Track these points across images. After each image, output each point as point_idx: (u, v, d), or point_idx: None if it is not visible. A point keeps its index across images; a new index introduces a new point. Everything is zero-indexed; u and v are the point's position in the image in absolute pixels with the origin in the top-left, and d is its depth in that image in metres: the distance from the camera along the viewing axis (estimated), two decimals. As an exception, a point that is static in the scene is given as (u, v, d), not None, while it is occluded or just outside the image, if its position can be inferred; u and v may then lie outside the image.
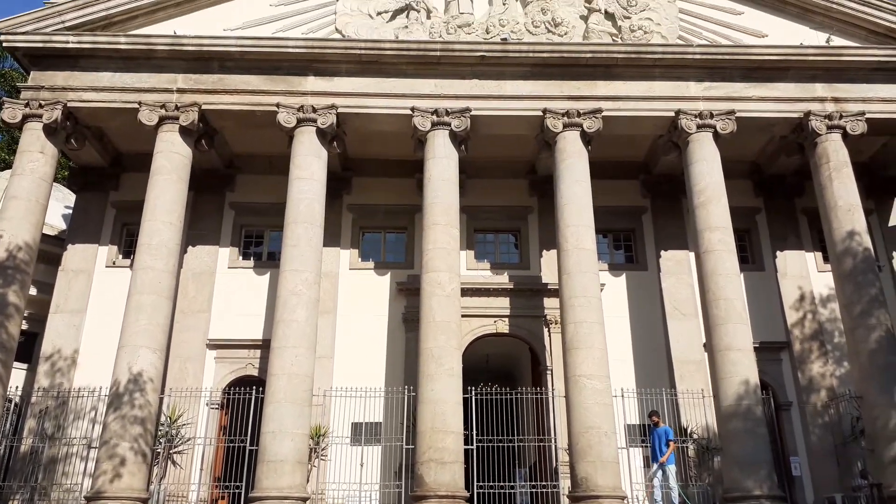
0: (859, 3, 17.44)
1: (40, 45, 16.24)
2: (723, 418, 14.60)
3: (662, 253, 18.47)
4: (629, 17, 17.72)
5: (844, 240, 15.71)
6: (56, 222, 20.44)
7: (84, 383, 15.98)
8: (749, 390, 14.37)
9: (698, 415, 15.93)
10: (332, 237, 17.68)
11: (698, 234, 15.87)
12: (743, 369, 14.57)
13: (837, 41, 17.48)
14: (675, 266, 18.28)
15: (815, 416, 17.11)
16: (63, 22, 16.45)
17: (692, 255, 17.08)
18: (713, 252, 15.49)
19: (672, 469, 13.87)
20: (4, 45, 16.53)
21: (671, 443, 13.84)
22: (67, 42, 16.23)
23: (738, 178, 18.56)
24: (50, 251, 18.41)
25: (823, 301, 18.10)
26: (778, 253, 18.67)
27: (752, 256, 18.90)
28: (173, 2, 17.19)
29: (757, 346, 15.96)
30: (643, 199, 19.12)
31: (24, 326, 16.76)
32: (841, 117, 16.53)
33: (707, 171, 16.16)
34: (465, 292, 16.45)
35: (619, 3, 17.84)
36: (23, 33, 16.18)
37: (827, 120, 16.54)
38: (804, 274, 18.39)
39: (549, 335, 17.48)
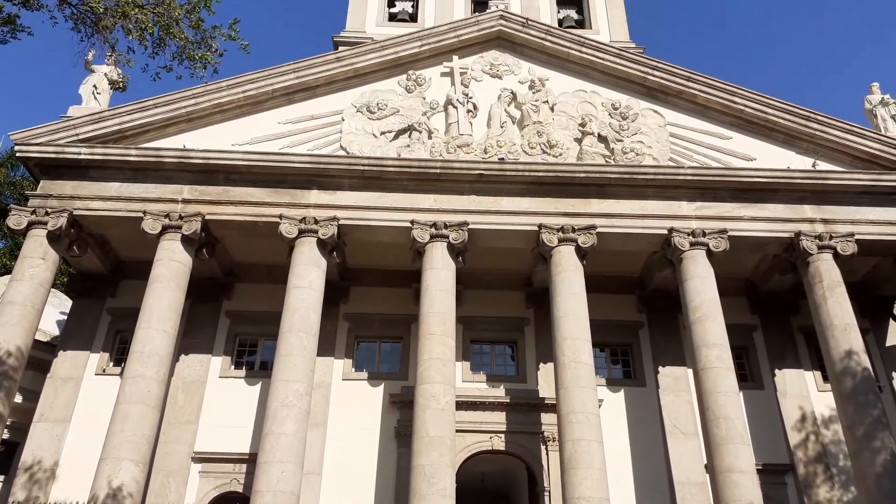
0: (842, 131, 18.26)
1: (53, 155, 16.79)
2: (729, 546, 13.88)
3: (660, 369, 18.28)
4: (621, 140, 18.48)
5: (843, 359, 15.60)
6: (49, 328, 20.35)
7: (62, 497, 15.35)
8: (754, 517, 13.76)
9: (702, 541, 15.17)
10: (326, 346, 17.55)
11: (695, 351, 15.78)
12: (747, 493, 14.03)
13: (823, 165, 18.14)
14: (674, 383, 18.04)
15: (824, 544, 16.29)
16: (77, 134, 17.12)
17: (691, 371, 16.91)
18: (711, 369, 15.35)
19: None
20: (18, 154, 17.08)
21: None
22: (80, 153, 16.80)
23: (733, 295, 18.69)
24: (40, 357, 18.18)
25: (826, 422, 17.72)
26: (777, 371, 18.48)
27: (750, 374, 18.69)
28: (185, 117, 17.97)
29: (760, 468, 15.48)
30: (639, 313, 19.16)
31: (6, 436, 16.31)
32: (831, 238, 16.87)
33: (701, 288, 16.30)
34: (461, 406, 16.14)
35: (612, 127, 18.67)
36: (37, 144, 16.78)
37: (817, 240, 16.87)
38: (804, 393, 18.11)
39: (547, 453, 16.95)
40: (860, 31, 73.88)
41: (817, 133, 18.42)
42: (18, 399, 16.46)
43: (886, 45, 71.25)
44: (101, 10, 12.98)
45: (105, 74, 18.59)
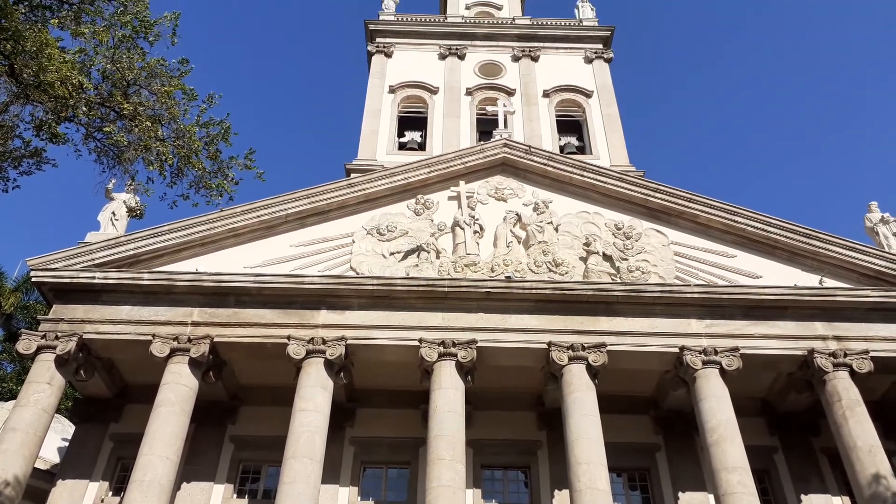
0: (845, 249, 18.46)
1: (67, 280, 17.08)
2: None
3: (680, 495, 17.46)
4: (626, 259, 18.73)
5: (870, 484, 14.91)
6: (50, 455, 19.86)
7: None
8: None
9: None
10: (331, 473, 16.95)
11: (715, 475, 15.15)
12: None
13: (830, 282, 18.18)
14: (695, 510, 17.16)
15: None
16: (93, 259, 17.50)
17: (712, 497, 16.14)
18: (733, 495, 14.66)
19: None
20: (34, 279, 17.40)
21: None
22: (94, 278, 17.09)
23: (750, 416, 18.17)
24: (38, 487, 17.58)
25: (860, 552, 16.63)
26: (802, 497, 17.60)
27: (774, 500, 17.78)
28: (199, 242, 18.42)
29: None
30: (655, 435, 18.58)
31: (-6, 572, 15.47)
32: (845, 355, 16.63)
33: (717, 409, 15.90)
34: (472, 538, 15.33)
35: (616, 246, 18.99)
36: (52, 269, 17.12)
37: (832, 357, 16.62)
38: (834, 521, 17.16)
39: (565, 591, 15.89)
40: (857, 149, 76.44)
41: (821, 251, 18.63)
42: (11, 532, 15.76)
43: (883, 163, 73.42)
44: (125, 143, 13.66)
45: (124, 202, 19.26)
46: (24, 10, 12.23)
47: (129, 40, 13.79)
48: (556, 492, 17.39)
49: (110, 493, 17.36)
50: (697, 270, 18.63)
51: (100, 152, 14.16)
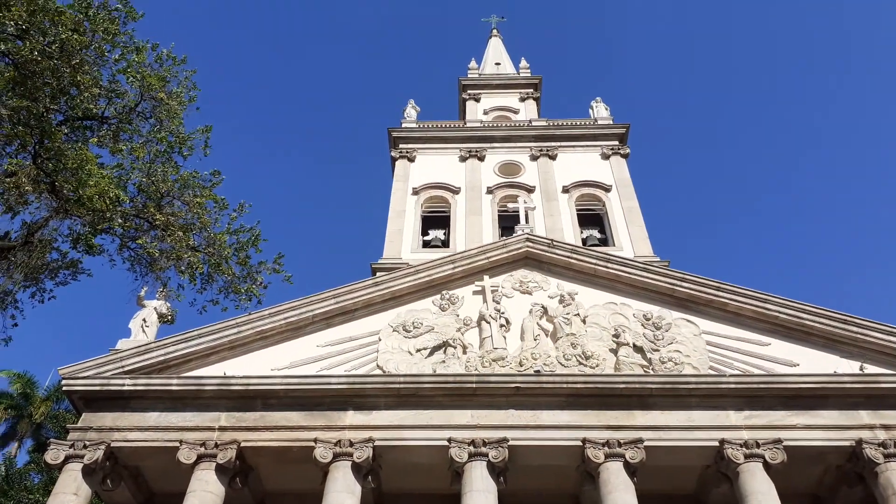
0: (885, 334, 17.90)
1: (97, 388, 17.17)
2: None
3: None
4: (657, 350, 18.38)
5: (940, 585, 13.81)
6: (73, 571, 19.27)
7: None
8: None
9: None
10: (361, 585, 16.16)
11: (769, 579, 14.16)
12: None
13: (872, 369, 17.55)
14: None
15: None
16: (123, 367, 17.66)
17: None
18: None
19: None
20: (64, 388, 17.55)
21: None
22: (123, 385, 17.19)
23: (800, 514, 17.17)
24: None
25: None
26: None
27: None
28: (227, 345, 18.55)
29: None
30: (701, 536, 17.56)
31: None
32: (896, 445, 15.84)
33: (764, 506, 15.06)
34: None
35: (646, 337, 18.70)
36: (83, 378, 17.25)
37: (882, 448, 15.81)
38: None
39: None
40: (889, 231, 75.56)
41: (859, 336, 18.12)
42: None
43: (912, 248, 72.34)
44: (157, 252, 14.14)
45: (155, 308, 19.62)
46: (66, 131, 13.05)
47: (164, 155, 14.54)
48: None
49: None
50: (732, 360, 18.17)
51: (133, 261, 14.63)
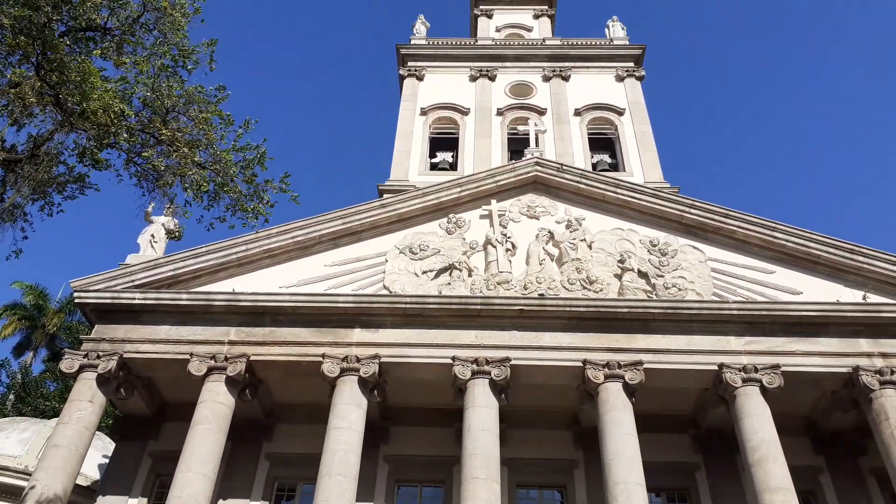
0: (890, 264, 17.94)
1: (108, 301, 17.52)
2: None
3: (722, 516, 17.00)
4: (662, 276, 18.48)
5: (923, 505, 14.34)
6: (91, 472, 20.24)
7: None
8: None
9: None
10: (365, 491, 16.91)
11: (758, 496, 14.73)
12: None
13: (875, 298, 17.66)
14: (738, 532, 16.69)
15: None
16: (133, 281, 17.94)
17: (755, 519, 15.67)
18: (778, 516, 14.22)
19: None
20: (76, 300, 17.91)
21: None
22: (134, 298, 17.51)
23: (793, 435, 17.65)
24: (80, 503, 17.94)
25: (913, 578, 15.98)
26: (851, 519, 17.01)
27: (821, 522, 17.22)
28: (235, 263, 18.75)
29: None
30: (695, 454, 18.15)
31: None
32: (892, 372, 16.10)
33: (758, 427, 15.50)
34: (508, 558, 15.13)
35: (652, 263, 18.76)
36: (94, 291, 17.58)
37: (878, 375, 16.12)
38: (884, 544, 16.52)
39: None
40: (896, 166, 74.50)
41: (864, 266, 18.15)
42: (53, 548, 16.05)
43: (926, 180, 71.43)
44: (163, 168, 14.05)
45: (163, 225, 19.75)
46: (68, 42, 12.75)
47: (169, 69, 14.24)
48: (594, 513, 17.07)
49: (149, 510, 17.61)
50: (736, 287, 18.29)
51: (140, 177, 14.58)
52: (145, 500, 17.74)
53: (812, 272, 18.54)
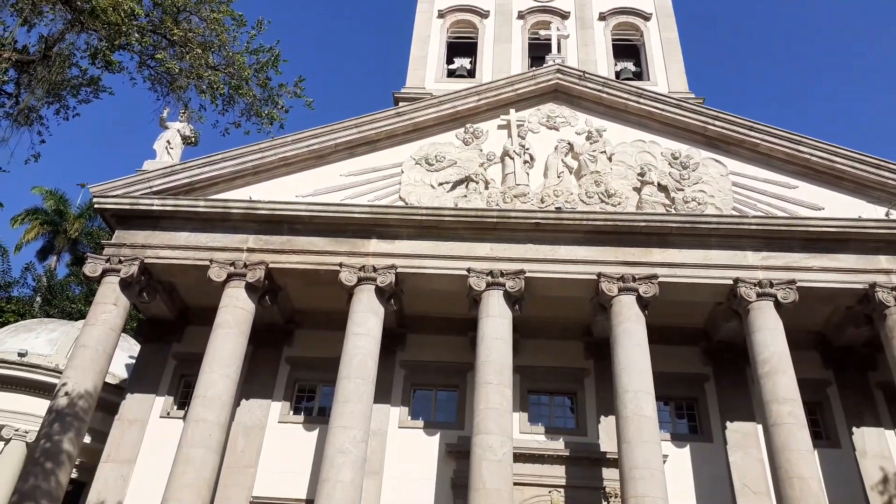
0: (916, 179, 17.57)
1: (127, 207, 17.66)
2: None
3: (728, 424, 17.50)
4: (682, 190, 18.23)
5: (927, 418, 14.64)
6: (119, 371, 21.06)
7: (123, 539, 15.56)
8: (835, 585, 12.85)
9: None
10: (382, 393, 17.52)
11: (765, 406, 15.09)
12: (825, 558, 13.14)
13: (897, 214, 17.43)
14: (743, 439, 17.23)
15: None
16: (151, 187, 18.00)
17: (760, 427, 16.16)
18: (783, 426, 14.62)
19: None
20: (96, 206, 18.06)
21: None
22: (152, 205, 17.62)
23: (804, 349, 17.90)
24: (109, 399, 18.79)
25: (911, 485, 16.55)
26: (854, 429, 17.44)
27: (825, 432, 17.69)
28: (251, 170, 18.69)
29: (839, 533, 14.52)
30: (704, 366, 18.51)
31: (74, 475, 16.76)
32: (909, 289, 16.07)
33: (770, 341, 15.68)
34: (518, 458, 15.78)
35: (672, 176, 18.48)
36: (113, 196, 17.69)
37: (894, 292, 16.08)
38: (886, 454, 17.00)
39: (609, 510, 16.32)
40: (931, 79, 71.68)
41: (889, 181, 17.79)
42: (87, 440, 16.97)
43: (960, 93, 68.81)
44: (177, 70, 13.80)
45: (178, 130, 19.61)
46: (75, -64, 12.25)
47: (179, -34, 13.72)
48: (602, 418, 17.64)
49: (175, 406, 18.40)
50: (756, 202, 18.06)
51: (153, 80, 14.36)
52: (171, 398, 18.52)
53: (835, 187, 18.23)
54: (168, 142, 19.40)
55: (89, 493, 16.96)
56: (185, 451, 14.61)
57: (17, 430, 19.48)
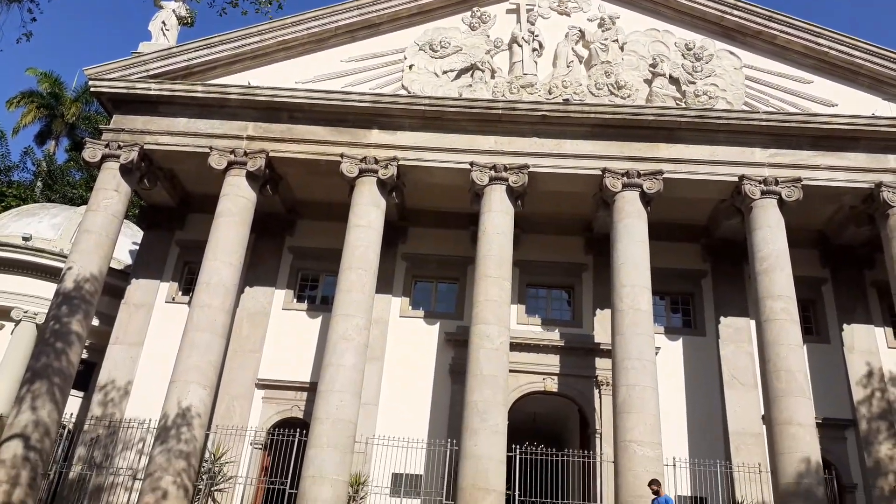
0: (934, 75, 17.05)
1: (124, 91, 17.24)
2: (781, 496, 13.78)
3: (722, 319, 17.90)
4: (694, 83, 17.71)
5: (918, 316, 14.94)
6: (123, 257, 21.30)
7: (135, 414, 16.33)
8: (811, 469, 13.57)
9: (754, 491, 15.09)
10: (384, 284, 17.80)
11: (760, 302, 15.37)
12: (804, 446, 13.81)
13: (912, 112, 17.03)
14: (735, 333, 17.67)
15: (882, 501, 15.98)
16: (147, 70, 17.48)
17: (753, 322, 16.53)
18: (775, 321, 14.94)
19: None
20: (92, 89, 17.63)
21: None
22: (149, 89, 17.19)
23: (803, 247, 18.02)
24: (115, 284, 19.11)
25: (894, 379, 17.13)
26: (845, 326, 17.86)
27: (816, 328, 18.14)
28: (250, 54, 18.10)
29: (820, 421, 15.24)
30: (703, 262, 18.70)
31: (84, 355, 17.31)
32: (915, 190, 15.95)
33: (770, 239, 15.75)
34: (514, 347, 16.26)
35: (684, 68, 17.90)
36: (109, 80, 17.23)
37: (900, 192, 15.99)
38: (873, 350, 17.50)
39: (600, 397, 17.00)
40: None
41: (907, 77, 17.26)
42: (95, 322, 17.38)
43: None
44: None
45: (173, 11, 18.84)
46: None
47: None
48: (598, 311, 18.02)
49: (180, 292, 18.78)
50: (768, 97, 17.61)
51: (145, -46, 13.63)
52: (176, 284, 18.85)
53: (851, 83, 17.72)
54: (163, 22, 18.69)
55: (100, 372, 17.62)
56: (192, 336, 15.02)
57: (26, 312, 19.96)
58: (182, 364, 14.74)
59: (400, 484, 15.64)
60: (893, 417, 16.73)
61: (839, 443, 16.74)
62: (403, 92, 17.71)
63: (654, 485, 12.69)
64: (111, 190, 16.60)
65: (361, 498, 15.27)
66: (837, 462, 16.50)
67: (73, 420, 16.71)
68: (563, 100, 17.20)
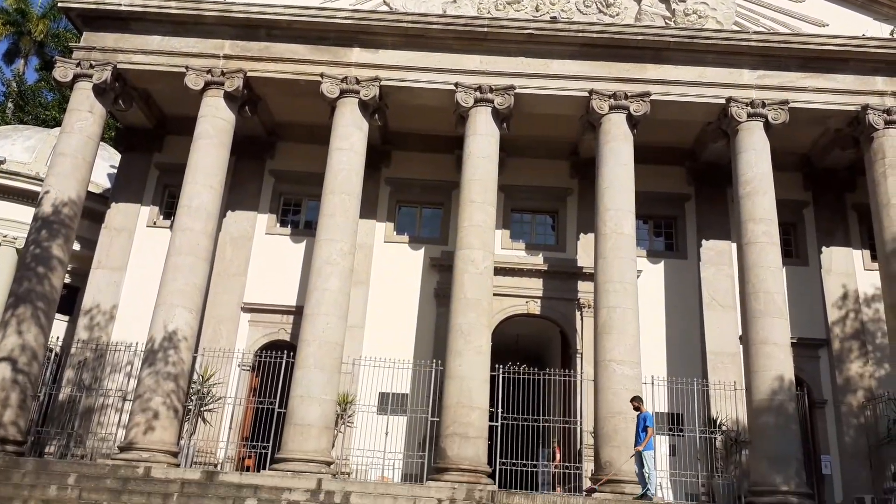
0: (928, -6, 16.73)
1: (93, 6, 16.46)
2: (754, 412, 14.32)
3: (704, 242, 18.10)
4: (684, 1, 17.24)
5: (895, 239, 15.17)
6: (101, 181, 20.92)
7: (121, 338, 16.41)
8: (783, 386, 14.07)
9: (729, 407, 15.66)
10: (368, 209, 17.70)
11: (742, 225, 15.51)
12: (778, 364, 14.26)
13: (903, 35, 16.78)
14: (716, 256, 17.91)
15: (850, 416, 16.70)
16: (117, -16, 16.66)
17: (734, 245, 16.73)
18: (756, 244, 15.13)
19: (650, 455, 12.67)
20: (59, 4, 16.83)
21: (649, 429, 12.62)
22: (120, 4, 16.43)
23: (787, 171, 18.06)
24: (94, 208, 18.85)
25: (868, 300, 17.57)
26: (824, 248, 18.16)
27: (796, 251, 18.42)
28: (225, -33, 17.25)
29: (794, 341, 15.65)
30: (687, 186, 18.74)
31: (67, 280, 17.25)
32: (900, 112, 15.91)
33: (755, 162, 15.74)
34: (499, 271, 16.39)
35: (675, -15, 17.37)
36: (77, -7, 16.43)
37: (885, 115, 15.97)
38: (850, 271, 17.87)
39: (582, 319, 17.32)
40: None
41: (901, -4, 16.91)
42: (77, 247, 17.25)
43: None
44: None
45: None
46: None
47: None
48: (582, 235, 18.12)
49: (161, 216, 18.58)
50: (759, 16, 17.21)
51: None
52: (157, 208, 18.62)
53: (844, 2, 17.39)
54: (132, -68, 17.65)
55: (84, 297, 17.59)
56: (175, 259, 14.95)
57: (5, 236, 19.72)
58: (166, 288, 14.73)
59: (387, 403, 16.03)
60: (865, 337, 17.26)
61: (812, 361, 17.29)
62: (385, 8, 17.08)
63: (636, 401, 13.09)
64: (85, 111, 16.10)
65: (349, 416, 15.67)
66: (810, 380, 17.11)
67: (60, 344, 16.80)
68: (551, 17, 16.72)
